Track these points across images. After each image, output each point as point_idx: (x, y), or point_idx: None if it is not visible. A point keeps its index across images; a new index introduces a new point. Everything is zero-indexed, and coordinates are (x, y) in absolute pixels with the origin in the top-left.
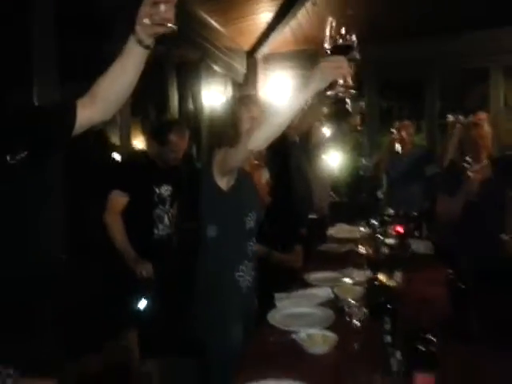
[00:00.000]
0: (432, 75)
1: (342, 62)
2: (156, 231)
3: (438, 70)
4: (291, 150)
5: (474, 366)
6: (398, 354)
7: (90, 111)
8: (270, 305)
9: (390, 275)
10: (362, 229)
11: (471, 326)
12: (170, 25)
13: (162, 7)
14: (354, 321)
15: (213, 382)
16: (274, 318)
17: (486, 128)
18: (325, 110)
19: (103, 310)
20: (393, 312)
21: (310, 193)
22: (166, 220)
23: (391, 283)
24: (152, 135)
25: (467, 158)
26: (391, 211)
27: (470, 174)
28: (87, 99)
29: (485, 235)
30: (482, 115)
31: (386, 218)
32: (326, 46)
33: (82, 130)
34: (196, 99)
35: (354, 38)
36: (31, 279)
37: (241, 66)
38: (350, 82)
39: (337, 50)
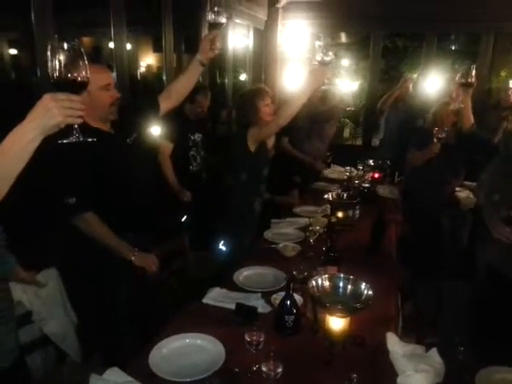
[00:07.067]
0: None
1: (325, 72)
2: (191, 167)
3: None
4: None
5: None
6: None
7: (166, 103)
8: (268, 226)
9: (347, 213)
10: (348, 173)
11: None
12: (218, 51)
13: (217, 43)
14: (311, 240)
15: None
16: (268, 234)
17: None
18: None
19: (163, 221)
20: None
21: (304, 147)
22: (199, 159)
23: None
24: None
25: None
26: (371, 161)
27: (435, 139)
28: (165, 94)
29: (435, 184)
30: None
31: (366, 166)
32: (315, 60)
33: (161, 114)
34: (223, 42)
35: (331, 55)
36: (145, 199)
37: (262, 16)
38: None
39: (322, 63)
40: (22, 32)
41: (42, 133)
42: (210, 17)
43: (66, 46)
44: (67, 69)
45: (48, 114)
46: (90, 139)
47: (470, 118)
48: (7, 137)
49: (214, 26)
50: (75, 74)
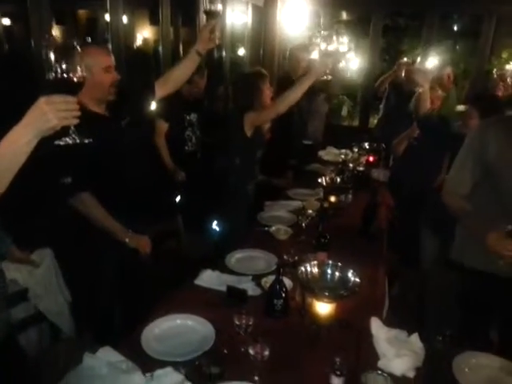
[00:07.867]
0: None
1: (328, 62)
2: (187, 148)
3: None
4: None
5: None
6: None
7: (162, 90)
8: (262, 208)
9: (339, 197)
10: (343, 156)
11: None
12: (217, 41)
13: (217, 32)
14: (303, 224)
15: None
16: (261, 217)
17: (439, 93)
18: None
19: (157, 201)
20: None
21: (304, 128)
22: (194, 139)
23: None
24: None
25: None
26: (366, 144)
27: (415, 123)
28: (161, 81)
29: (420, 171)
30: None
31: (361, 148)
32: (319, 49)
33: (156, 99)
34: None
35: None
36: (140, 181)
37: None
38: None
39: (325, 54)
40: (16, 3)
41: (37, 135)
42: (206, 6)
43: (62, 45)
44: (63, 70)
45: (43, 118)
46: (86, 141)
47: (427, 103)
48: (3, 140)
49: (211, 14)
50: (71, 75)
